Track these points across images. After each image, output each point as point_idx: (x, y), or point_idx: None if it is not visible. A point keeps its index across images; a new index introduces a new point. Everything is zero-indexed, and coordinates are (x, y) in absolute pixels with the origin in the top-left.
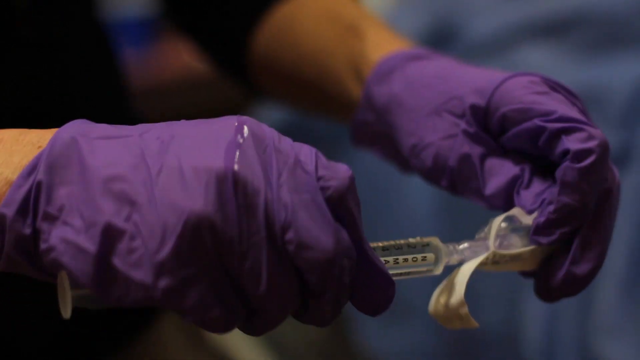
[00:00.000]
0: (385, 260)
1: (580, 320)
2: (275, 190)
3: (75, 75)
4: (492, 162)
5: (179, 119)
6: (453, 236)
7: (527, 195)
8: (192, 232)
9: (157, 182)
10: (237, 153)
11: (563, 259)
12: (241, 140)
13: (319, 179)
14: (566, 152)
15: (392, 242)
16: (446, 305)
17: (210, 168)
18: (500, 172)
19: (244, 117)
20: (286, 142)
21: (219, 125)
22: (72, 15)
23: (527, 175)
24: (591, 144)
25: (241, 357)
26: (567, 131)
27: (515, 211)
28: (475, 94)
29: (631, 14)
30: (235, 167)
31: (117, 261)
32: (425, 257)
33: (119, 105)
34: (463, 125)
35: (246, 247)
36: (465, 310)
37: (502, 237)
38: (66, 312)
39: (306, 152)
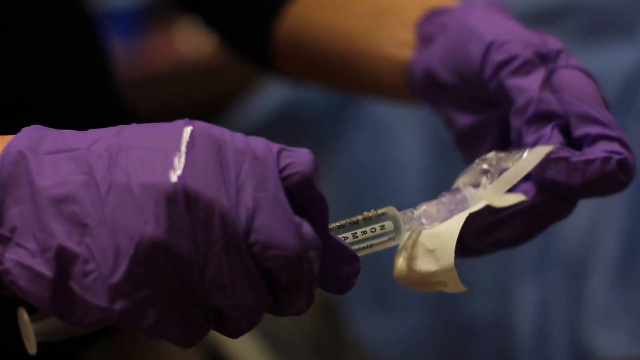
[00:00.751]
0: (344, 237)
1: (571, 309)
2: (234, 193)
3: (59, 63)
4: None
5: (169, 109)
6: None
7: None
8: (145, 255)
9: (107, 203)
10: (186, 164)
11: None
12: (189, 148)
13: (282, 170)
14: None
15: (347, 220)
16: (421, 270)
17: (158, 186)
18: None
19: (192, 121)
20: (240, 139)
21: (167, 132)
22: (55, 1)
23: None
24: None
25: (232, 346)
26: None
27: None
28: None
29: (623, 3)
30: (185, 181)
31: (73, 285)
32: (383, 225)
33: (106, 94)
34: None
35: (204, 260)
36: (452, 270)
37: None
38: (32, 348)
39: (262, 146)
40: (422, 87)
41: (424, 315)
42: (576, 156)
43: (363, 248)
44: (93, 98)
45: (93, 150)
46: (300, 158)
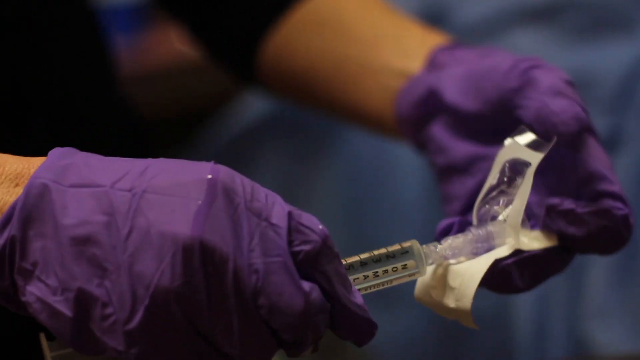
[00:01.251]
0: (364, 276)
1: (570, 304)
2: (246, 254)
3: (60, 60)
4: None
5: (169, 105)
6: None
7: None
8: (160, 304)
9: (127, 247)
10: (206, 217)
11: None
12: (210, 200)
13: (291, 242)
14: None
15: (369, 255)
16: (442, 302)
17: (177, 237)
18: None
19: (218, 168)
20: (259, 198)
21: (190, 179)
22: None
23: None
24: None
25: None
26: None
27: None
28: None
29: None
30: (204, 235)
31: (93, 326)
32: (405, 265)
33: (107, 91)
34: None
35: (216, 312)
36: (468, 313)
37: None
38: None
39: (278, 211)
40: (414, 111)
41: (422, 312)
42: (581, 207)
43: (383, 284)
44: (94, 95)
45: (117, 188)
46: (309, 236)
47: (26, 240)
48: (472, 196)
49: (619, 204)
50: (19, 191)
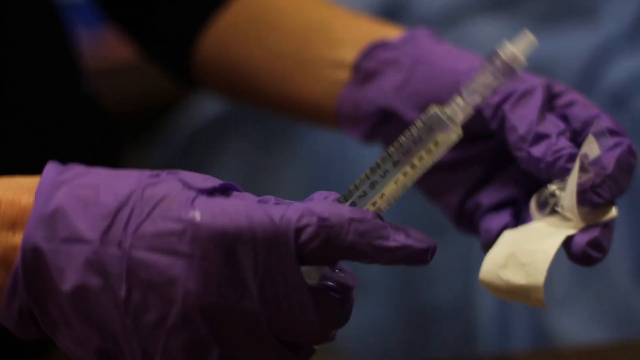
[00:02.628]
0: (404, 174)
1: None
2: (256, 292)
3: (24, 56)
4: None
5: (131, 99)
6: (415, 215)
7: None
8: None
9: (128, 309)
10: (198, 277)
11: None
12: (200, 255)
13: (298, 243)
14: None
15: (398, 145)
16: (509, 280)
17: (174, 304)
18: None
19: (194, 209)
20: (245, 223)
21: (172, 230)
22: None
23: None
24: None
25: None
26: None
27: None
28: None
29: None
30: (202, 299)
31: None
32: (437, 141)
33: (73, 87)
34: None
35: (231, 350)
36: (540, 288)
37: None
38: None
39: (272, 227)
40: (364, 126)
41: (388, 302)
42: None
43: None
44: (61, 91)
45: (106, 243)
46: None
47: (38, 304)
48: (470, 187)
49: (619, 138)
50: (17, 240)
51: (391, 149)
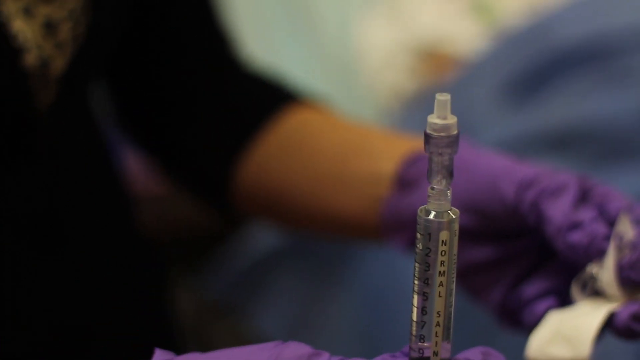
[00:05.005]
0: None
1: None
2: None
3: (83, 191)
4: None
5: (182, 227)
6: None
7: None
8: None
9: None
10: None
11: None
12: None
13: None
14: None
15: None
16: (553, 355)
17: None
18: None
19: None
20: None
21: None
22: (81, 120)
23: None
24: None
25: None
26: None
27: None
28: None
29: (633, 127)
30: None
31: None
32: (443, 240)
33: (120, 213)
34: None
35: None
36: None
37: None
38: None
39: None
40: (410, 231)
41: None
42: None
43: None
44: (111, 216)
45: None
46: None
47: None
48: (511, 283)
49: None
50: None
51: (415, 273)
